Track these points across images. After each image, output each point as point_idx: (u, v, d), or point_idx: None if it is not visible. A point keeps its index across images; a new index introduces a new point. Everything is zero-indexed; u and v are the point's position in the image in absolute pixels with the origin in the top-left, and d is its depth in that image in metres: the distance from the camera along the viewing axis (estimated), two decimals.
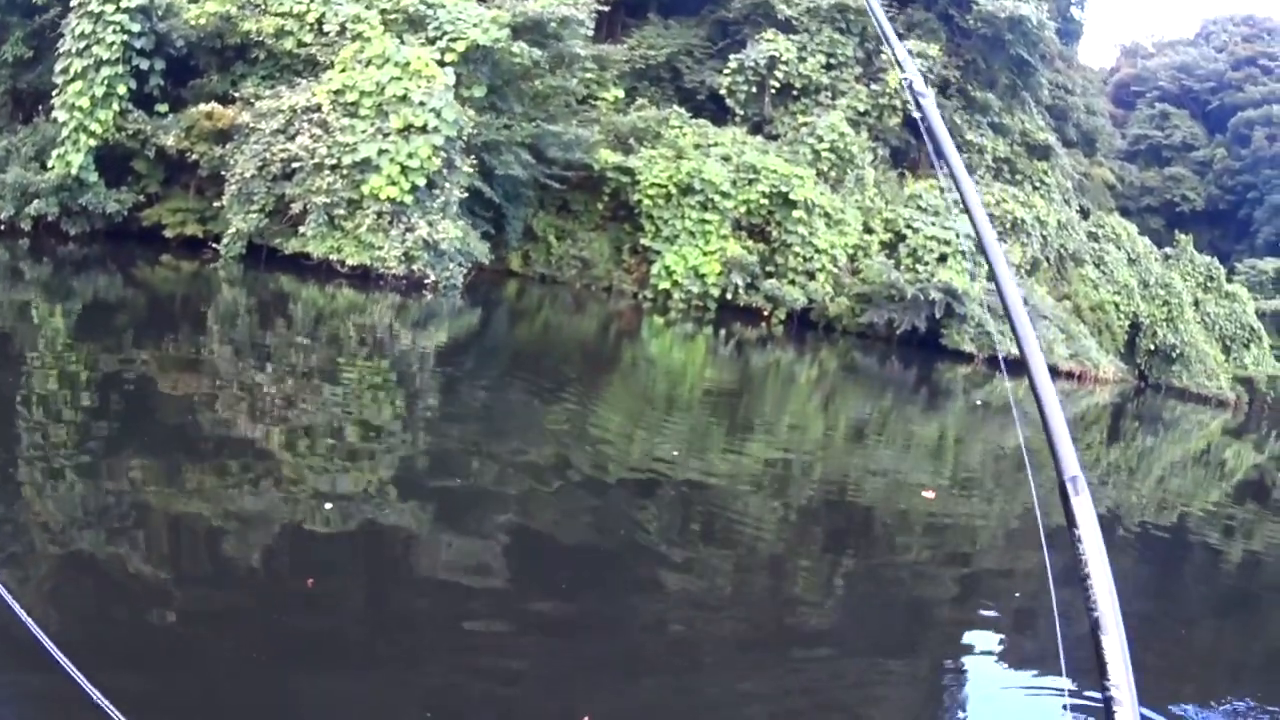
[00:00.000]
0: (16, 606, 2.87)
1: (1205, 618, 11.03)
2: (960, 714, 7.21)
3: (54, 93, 27.35)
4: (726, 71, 39.27)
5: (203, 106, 27.99)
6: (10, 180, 26.82)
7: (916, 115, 2.62)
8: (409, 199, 26.63)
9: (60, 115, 26.98)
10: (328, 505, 8.57)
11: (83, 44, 26.86)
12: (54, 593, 6.27)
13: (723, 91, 39.40)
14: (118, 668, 5.18)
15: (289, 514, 8.46)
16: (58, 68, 27.33)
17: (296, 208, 26.84)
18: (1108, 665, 1.93)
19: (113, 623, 6.04)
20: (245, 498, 8.65)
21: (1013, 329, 2.29)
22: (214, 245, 27.19)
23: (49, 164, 26.90)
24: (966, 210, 2.50)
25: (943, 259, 36.78)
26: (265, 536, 7.87)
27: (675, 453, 13.72)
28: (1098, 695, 1.95)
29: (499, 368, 20.55)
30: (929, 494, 13.90)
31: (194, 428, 11.02)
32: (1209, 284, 51.85)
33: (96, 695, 2.51)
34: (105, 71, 26.91)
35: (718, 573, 9.20)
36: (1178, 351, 47.10)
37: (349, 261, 26.68)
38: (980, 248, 2.46)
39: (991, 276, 2.44)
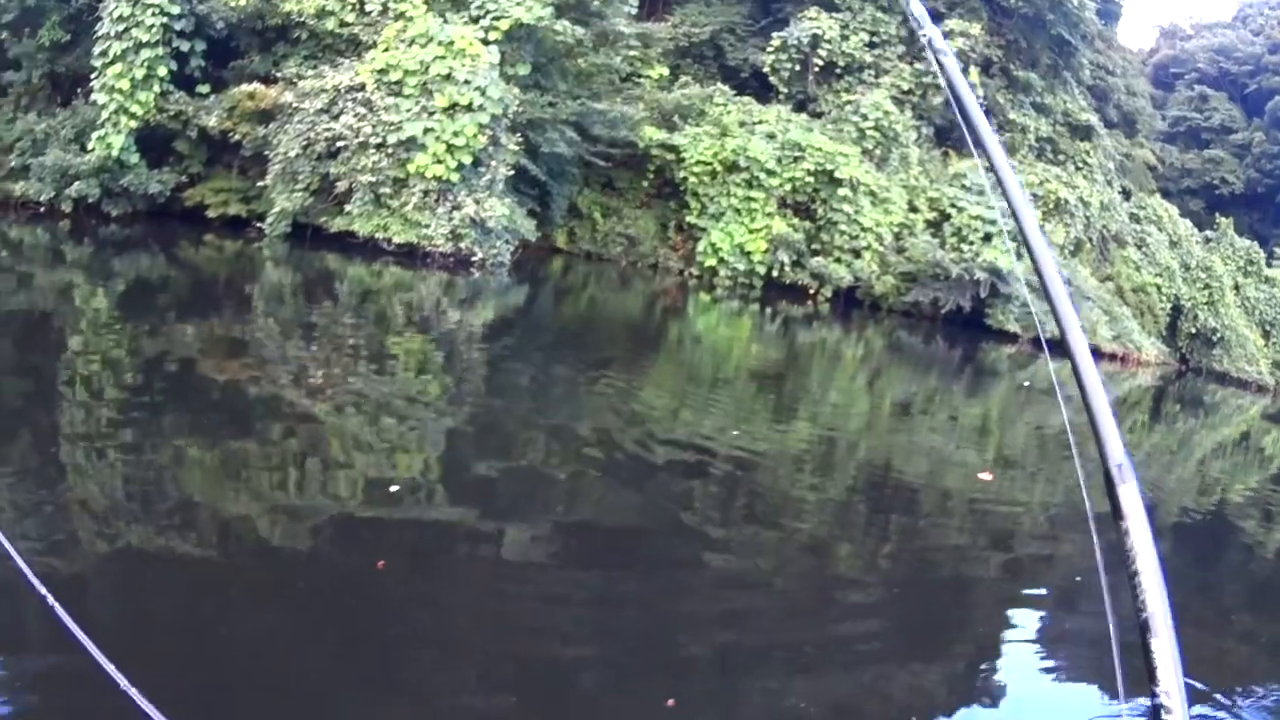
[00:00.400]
0: (45, 590, 2.85)
1: (1250, 603, 10.72)
2: (1005, 692, 6.94)
3: (93, 75, 27.09)
4: (770, 49, 38.85)
5: (245, 87, 27.73)
6: (50, 163, 26.55)
7: (940, 77, 2.51)
8: (455, 177, 26.28)
9: (100, 98, 26.73)
10: (393, 488, 8.37)
11: (121, 27, 26.61)
12: (90, 575, 6.03)
13: (766, 69, 39.02)
14: (161, 653, 5.06)
15: (345, 495, 8.25)
16: (96, 50, 27.08)
17: (342, 186, 26.52)
18: (1157, 670, 1.81)
19: (156, 606, 5.82)
20: (298, 479, 8.47)
21: (1054, 312, 2.20)
22: (258, 224, 26.92)
23: (89, 146, 26.63)
24: (998, 179, 2.39)
25: (987, 238, 36.21)
26: (320, 518, 7.63)
27: (735, 432, 13.41)
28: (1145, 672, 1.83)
29: (546, 344, 20.31)
30: (986, 475, 13.39)
31: (243, 407, 10.80)
32: (1249, 268, 51.22)
33: (124, 683, 2.49)
34: (145, 54, 26.68)
35: (764, 547, 9.03)
36: (1218, 335, 46.51)
37: (395, 240, 26.36)
38: (1016, 222, 2.33)
39: (1031, 256, 2.31)
